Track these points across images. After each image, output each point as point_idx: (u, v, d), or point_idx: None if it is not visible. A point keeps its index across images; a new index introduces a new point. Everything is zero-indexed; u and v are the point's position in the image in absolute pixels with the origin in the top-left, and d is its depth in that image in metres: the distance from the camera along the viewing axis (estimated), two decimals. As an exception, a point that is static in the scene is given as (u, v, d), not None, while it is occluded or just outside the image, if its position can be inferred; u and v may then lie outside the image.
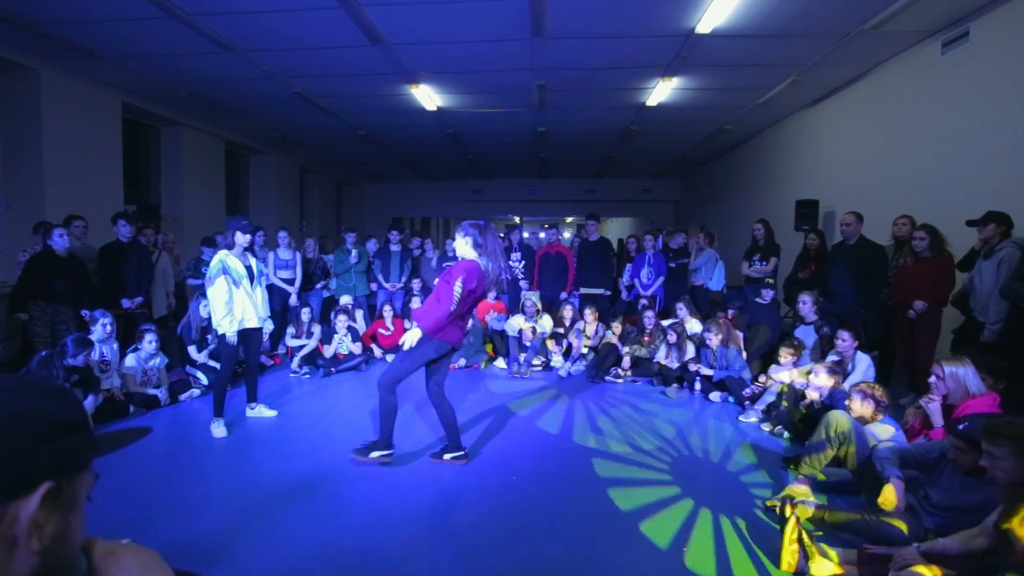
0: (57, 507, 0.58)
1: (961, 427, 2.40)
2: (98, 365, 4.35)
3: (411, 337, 3.22)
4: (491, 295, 6.92)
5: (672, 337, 5.33)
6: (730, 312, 5.65)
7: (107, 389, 4.33)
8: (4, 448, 0.55)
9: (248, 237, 3.94)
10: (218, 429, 3.90)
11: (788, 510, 2.48)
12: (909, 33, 5.18)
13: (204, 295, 5.34)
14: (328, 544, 2.51)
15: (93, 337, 4.33)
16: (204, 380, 4.95)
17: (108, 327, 4.39)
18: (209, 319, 5.24)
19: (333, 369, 5.70)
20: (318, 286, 6.82)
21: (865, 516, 2.58)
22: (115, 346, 4.53)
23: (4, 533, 0.54)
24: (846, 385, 3.69)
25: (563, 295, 6.87)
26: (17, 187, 6.30)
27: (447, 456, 3.41)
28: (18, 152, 6.29)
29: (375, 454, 3.33)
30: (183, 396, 4.73)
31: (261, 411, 4.31)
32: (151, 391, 4.53)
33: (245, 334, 4.02)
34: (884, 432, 3.01)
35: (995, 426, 2.03)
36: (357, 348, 5.96)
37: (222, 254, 3.90)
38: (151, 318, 6.02)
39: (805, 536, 2.29)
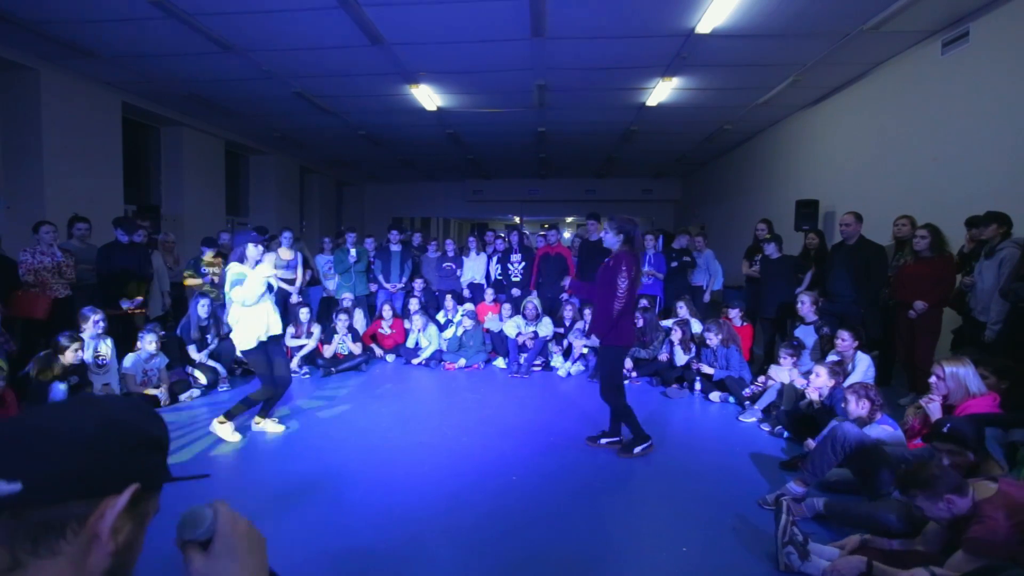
0: (133, 516, 0.63)
1: (945, 429, 2.41)
2: (94, 362, 4.36)
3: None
4: (489, 297, 6.92)
5: (677, 335, 5.32)
6: (731, 312, 5.64)
7: (105, 385, 4.33)
8: (109, 447, 0.61)
9: (260, 249, 3.75)
10: (231, 434, 3.76)
11: (784, 507, 2.48)
12: (909, 33, 5.18)
13: (203, 295, 5.35)
14: (328, 544, 2.51)
15: (85, 335, 4.33)
16: (203, 380, 4.95)
17: (100, 324, 4.38)
18: (209, 319, 5.26)
19: (333, 369, 5.70)
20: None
21: (863, 505, 2.64)
22: (109, 341, 4.53)
23: (90, 528, 0.58)
24: (846, 385, 3.69)
25: (566, 282, 6.86)
26: (17, 187, 6.30)
27: (637, 449, 3.59)
28: (18, 152, 6.28)
29: (637, 449, 3.58)
30: (183, 396, 4.73)
31: (266, 426, 4.03)
32: (151, 391, 4.53)
33: (268, 346, 3.80)
34: (882, 434, 3.02)
35: (905, 476, 2.15)
36: (357, 348, 5.96)
37: (235, 267, 3.67)
38: (148, 319, 6.02)
39: (800, 536, 2.29)
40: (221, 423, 3.78)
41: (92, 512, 0.59)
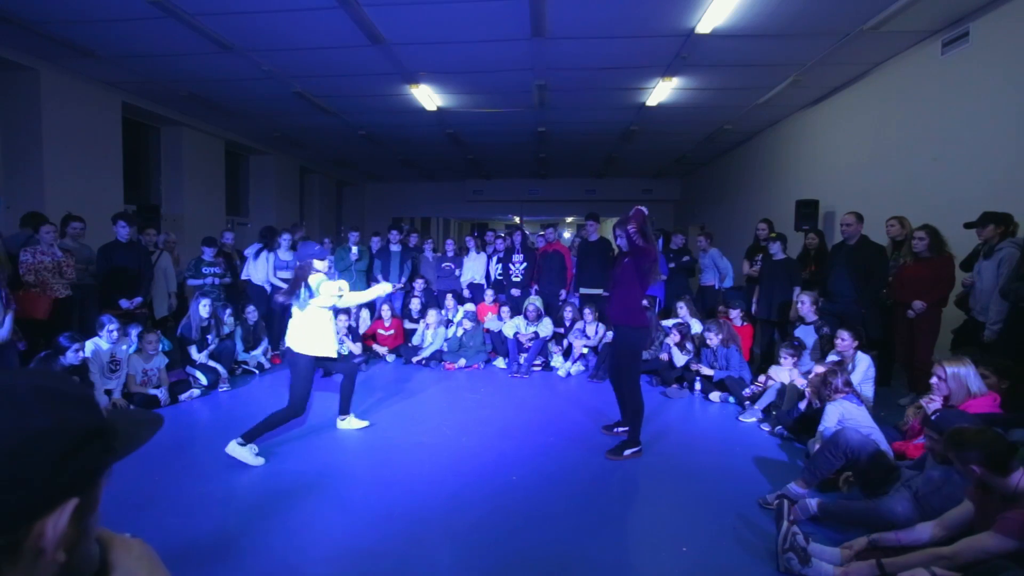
0: (79, 515, 0.56)
1: (934, 418, 2.44)
2: (107, 365, 4.36)
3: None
4: (489, 298, 6.92)
5: (674, 338, 5.32)
6: (732, 312, 5.64)
7: (108, 391, 4.33)
8: (29, 470, 0.51)
9: (326, 263, 3.65)
10: (253, 458, 3.37)
11: (785, 511, 2.48)
12: (909, 33, 5.18)
13: (204, 295, 5.35)
14: (328, 544, 2.51)
15: (102, 343, 4.34)
16: (204, 380, 4.95)
17: (115, 332, 4.40)
18: (210, 319, 5.26)
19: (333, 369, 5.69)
20: None
21: (864, 502, 2.65)
22: (124, 347, 4.54)
23: (31, 546, 0.52)
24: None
25: (563, 294, 6.86)
26: (17, 187, 6.30)
27: (627, 452, 3.58)
28: (18, 152, 6.28)
29: (628, 452, 3.57)
30: (183, 396, 4.73)
31: (351, 423, 4.07)
32: (151, 391, 4.53)
33: (319, 364, 3.68)
34: (851, 412, 3.18)
35: (952, 435, 2.13)
36: (357, 348, 5.96)
37: (319, 276, 3.55)
38: (152, 319, 6.02)
39: (801, 539, 2.29)
40: (240, 445, 3.36)
41: (26, 538, 0.51)
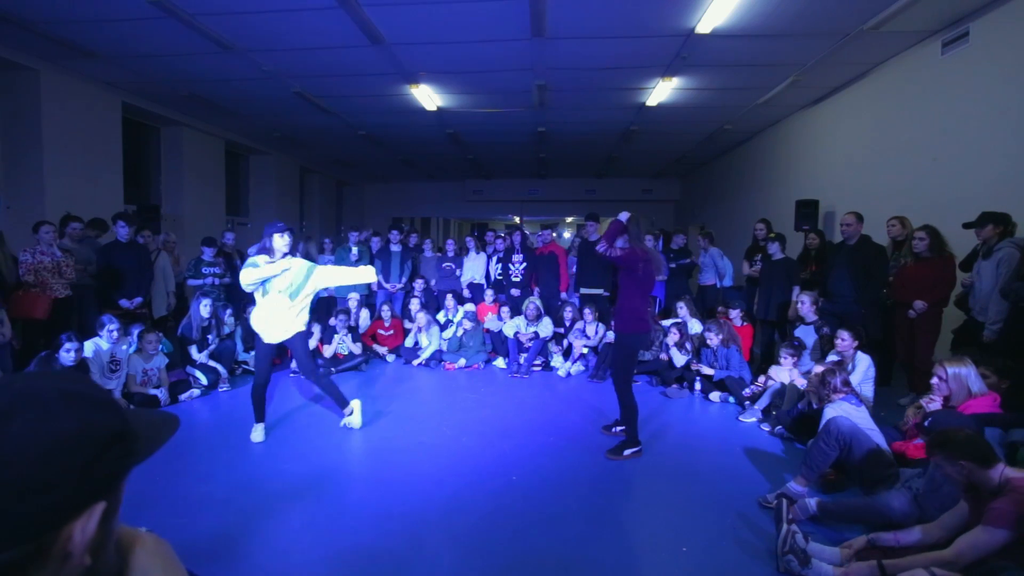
0: (106, 519, 0.56)
1: (927, 423, 2.45)
2: (108, 365, 4.36)
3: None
4: (489, 298, 6.91)
5: (673, 338, 5.32)
6: (732, 312, 5.64)
7: (108, 390, 4.33)
8: (57, 474, 0.51)
9: (287, 239, 3.61)
10: (255, 433, 3.82)
11: (784, 513, 2.48)
12: (909, 33, 5.18)
13: (204, 295, 5.35)
14: (328, 544, 2.51)
15: (103, 343, 4.33)
16: (204, 380, 4.95)
17: (115, 333, 4.40)
18: (210, 319, 5.27)
19: (333, 369, 5.69)
20: None
21: (863, 498, 2.69)
22: (124, 347, 4.53)
23: (59, 551, 0.52)
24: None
25: (563, 295, 6.86)
26: (17, 187, 6.30)
27: (627, 452, 3.58)
28: (18, 152, 6.28)
29: (627, 452, 3.57)
30: (183, 396, 4.73)
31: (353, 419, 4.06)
32: (151, 391, 4.53)
33: (264, 346, 3.74)
34: (851, 413, 3.15)
35: (936, 436, 2.17)
36: (357, 348, 5.96)
37: (257, 259, 3.60)
38: (151, 318, 6.02)
39: (800, 539, 2.29)
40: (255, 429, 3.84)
41: (54, 543, 0.51)
